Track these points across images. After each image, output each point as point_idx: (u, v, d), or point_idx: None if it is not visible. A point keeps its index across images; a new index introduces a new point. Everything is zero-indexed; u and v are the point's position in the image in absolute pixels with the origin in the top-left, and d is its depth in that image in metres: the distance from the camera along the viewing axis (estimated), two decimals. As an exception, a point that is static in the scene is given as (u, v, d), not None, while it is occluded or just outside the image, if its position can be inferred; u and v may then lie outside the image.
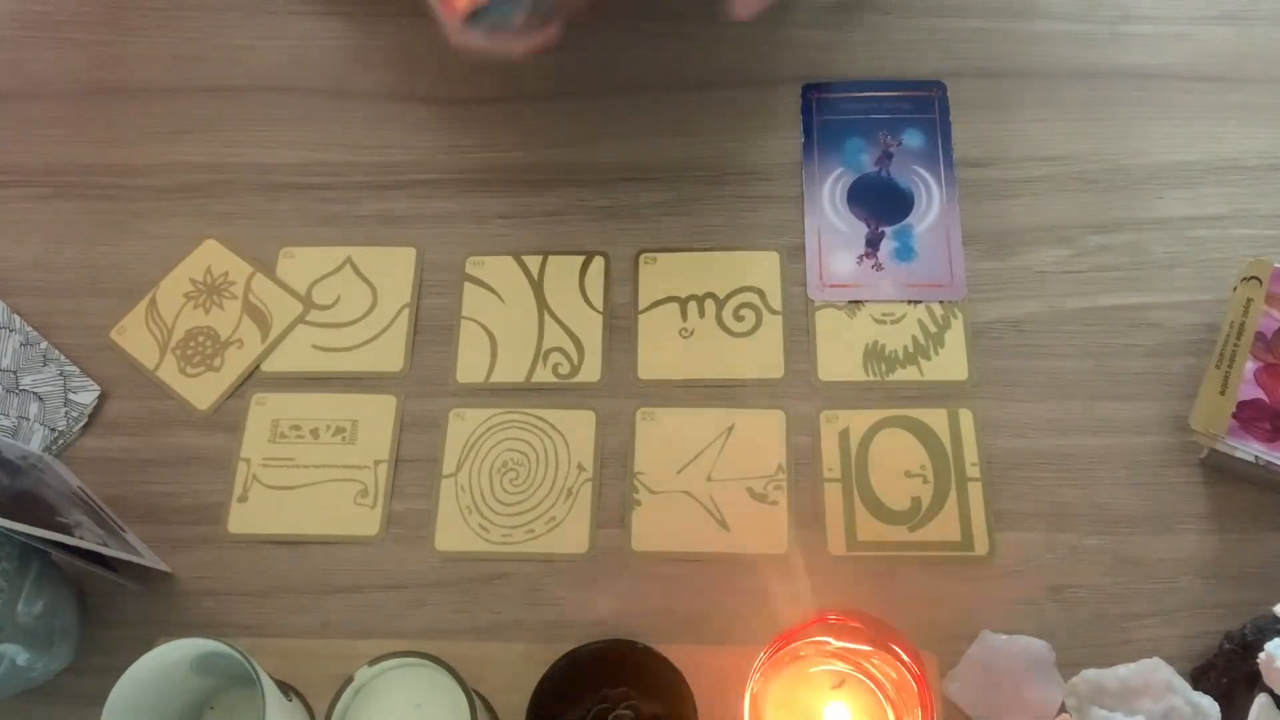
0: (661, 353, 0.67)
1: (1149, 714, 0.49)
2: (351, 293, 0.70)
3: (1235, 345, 0.61)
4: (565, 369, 0.67)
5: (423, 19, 0.77)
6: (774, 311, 0.67)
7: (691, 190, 0.71)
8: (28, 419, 0.67)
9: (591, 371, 0.67)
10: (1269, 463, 0.58)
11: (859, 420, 0.64)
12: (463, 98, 0.75)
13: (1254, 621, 0.55)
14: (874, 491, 0.62)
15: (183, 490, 0.65)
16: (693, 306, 0.68)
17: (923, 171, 0.70)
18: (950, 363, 0.65)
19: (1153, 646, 0.57)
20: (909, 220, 0.69)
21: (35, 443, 0.66)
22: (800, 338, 0.67)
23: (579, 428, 0.65)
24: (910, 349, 0.66)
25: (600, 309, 0.68)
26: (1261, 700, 0.49)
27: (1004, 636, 0.57)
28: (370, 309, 0.69)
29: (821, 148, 0.72)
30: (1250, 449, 0.59)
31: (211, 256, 0.71)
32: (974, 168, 0.70)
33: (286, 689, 0.57)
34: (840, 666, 0.53)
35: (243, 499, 0.64)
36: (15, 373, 0.68)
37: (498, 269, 0.70)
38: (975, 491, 0.62)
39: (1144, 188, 0.69)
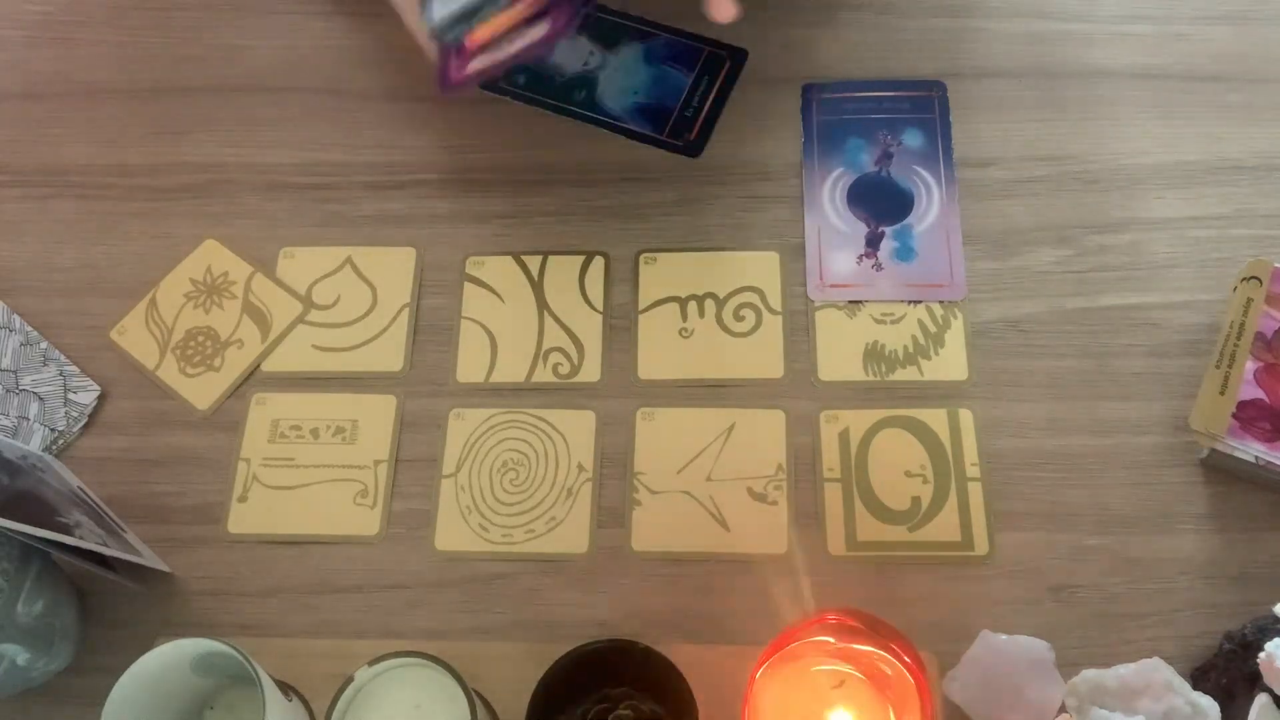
0: (661, 353, 0.67)
1: (1149, 714, 0.49)
2: (351, 293, 0.70)
3: (1235, 345, 0.61)
4: (565, 369, 0.67)
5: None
6: (774, 311, 0.67)
7: (691, 190, 0.71)
8: (28, 419, 0.67)
9: (591, 371, 0.67)
10: (1269, 463, 0.58)
11: (859, 420, 0.64)
12: (462, 98, 0.75)
13: (1254, 621, 0.55)
14: (874, 491, 0.62)
15: (183, 490, 0.65)
16: (693, 306, 0.68)
17: (923, 171, 0.70)
18: (950, 363, 0.65)
19: (1153, 646, 0.57)
20: (909, 220, 0.69)
21: (35, 443, 0.66)
22: (800, 338, 0.67)
23: (579, 428, 0.65)
24: (910, 349, 0.66)
25: (600, 309, 0.68)
26: (1261, 700, 0.49)
27: (1004, 636, 0.57)
28: (370, 309, 0.69)
29: (821, 148, 0.72)
30: (1250, 449, 0.59)
31: (211, 256, 0.71)
32: (974, 168, 0.70)
33: (286, 689, 0.57)
34: (840, 666, 0.53)
35: (243, 499, 0.64)
36: (15, 373, 0.68)
37: (498, 269, 0.70)
38: (975, 491, 0.62)
39: (1144, 188, 0.69)
